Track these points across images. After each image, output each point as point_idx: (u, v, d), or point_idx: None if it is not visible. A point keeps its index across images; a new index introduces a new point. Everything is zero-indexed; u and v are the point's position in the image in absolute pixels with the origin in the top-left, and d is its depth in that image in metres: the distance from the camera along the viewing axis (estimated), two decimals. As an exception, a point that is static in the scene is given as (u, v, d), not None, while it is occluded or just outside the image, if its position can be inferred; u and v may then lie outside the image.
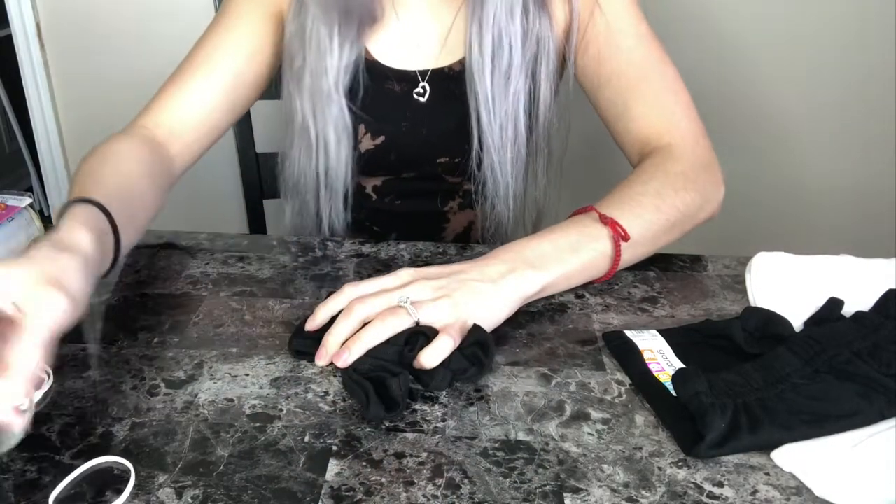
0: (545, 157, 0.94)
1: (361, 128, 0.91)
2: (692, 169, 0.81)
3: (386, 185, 0.99)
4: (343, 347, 0.62)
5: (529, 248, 0.70)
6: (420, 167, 0.95)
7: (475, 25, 0.84)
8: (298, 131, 0.90)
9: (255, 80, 0.90)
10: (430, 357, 0.60)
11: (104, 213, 0.64)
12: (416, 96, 0.91)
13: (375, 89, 0.90)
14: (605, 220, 0.72)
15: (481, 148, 0.88)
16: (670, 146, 0.83)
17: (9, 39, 1.69)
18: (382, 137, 0.92)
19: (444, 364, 0.60)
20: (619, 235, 0.72)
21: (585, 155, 1.51)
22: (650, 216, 0.75)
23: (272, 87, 0.93)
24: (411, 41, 0.90)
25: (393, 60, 0.90)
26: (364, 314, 0.64)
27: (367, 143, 0.92)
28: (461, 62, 0.89)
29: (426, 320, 0.63)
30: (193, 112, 0.86)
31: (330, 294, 0.67)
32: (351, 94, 0.88)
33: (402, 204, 1.00)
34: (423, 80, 0.90)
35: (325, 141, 0.89)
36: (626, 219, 0.73)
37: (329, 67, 0.85)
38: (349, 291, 0.66)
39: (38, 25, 1.66)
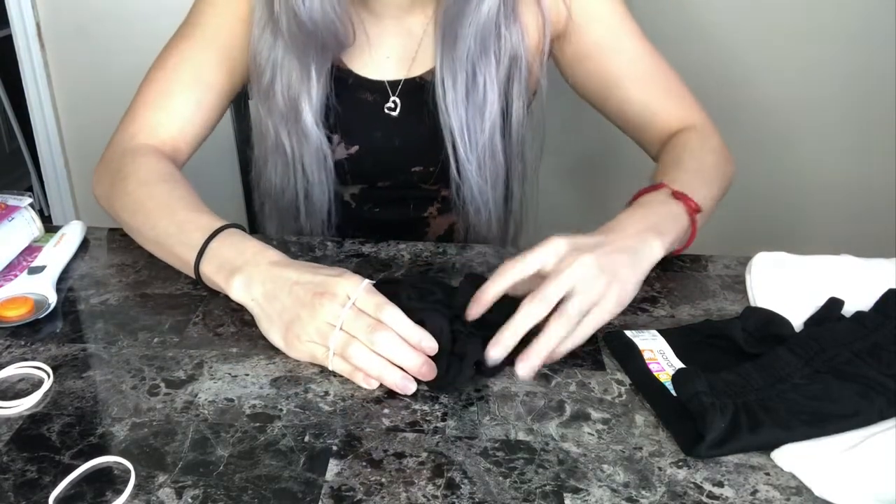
0: (519, 172, 0.95)
1: (335, 137, 0.91)
2: (721, 145, 0.88)
3: (363, 194, 0.99)
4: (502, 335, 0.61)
5: (646, 220, 0.71)
6: (395, 176, 0.95)
7: (447, 59, 0.83)
8: (272, 151, 0.90)
9: (238, 87, 0.91)
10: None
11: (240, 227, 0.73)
12: (387, 110, 0.91)
13: (349, 99, 0.89)
14: (678, 196, 0.75)
15: (459, 176, 0.89)
16: (696, 127, 0.88)
17: (9, 39, 1.69)
18: (356, 147, 0.92)
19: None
20: (693, 209, 0.74)
21: (570, 161, 1.52)
22: (708, 191, 0.79)
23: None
24: (382, 52, 0.90)
25: (365, 70, 0.90)
26: (540, 313, 0.61)
27: (340, 153, 0.91)
28: (432, 72, 0.88)
29: (579, 311, 0.62)
30: (191, 127, 0.87)
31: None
32: (325, 110, 0.88)
33: (380, 212, 1.00)
34: (393, 94, 0.90)
35: (302, 165, 0.89)
36: (694, 193, 0.75)
37: (305, 104, 0.85)
38: (510, 274, 0.63)
39: (38, 25, 1.66)
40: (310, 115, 0.86)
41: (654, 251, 0.68)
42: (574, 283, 0.61)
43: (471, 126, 0.86)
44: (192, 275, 0.71)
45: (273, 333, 0.65)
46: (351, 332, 0.61)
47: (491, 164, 0.89)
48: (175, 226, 0.73)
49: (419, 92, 0.89)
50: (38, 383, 0.61)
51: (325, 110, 0.88)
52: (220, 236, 0.70)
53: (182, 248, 0.72)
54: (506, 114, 0.89)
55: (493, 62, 0.85)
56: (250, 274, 0.66)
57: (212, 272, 0.69)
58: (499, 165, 0.90)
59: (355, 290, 0.62)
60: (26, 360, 0.64)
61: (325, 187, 0.91)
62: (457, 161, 0.88)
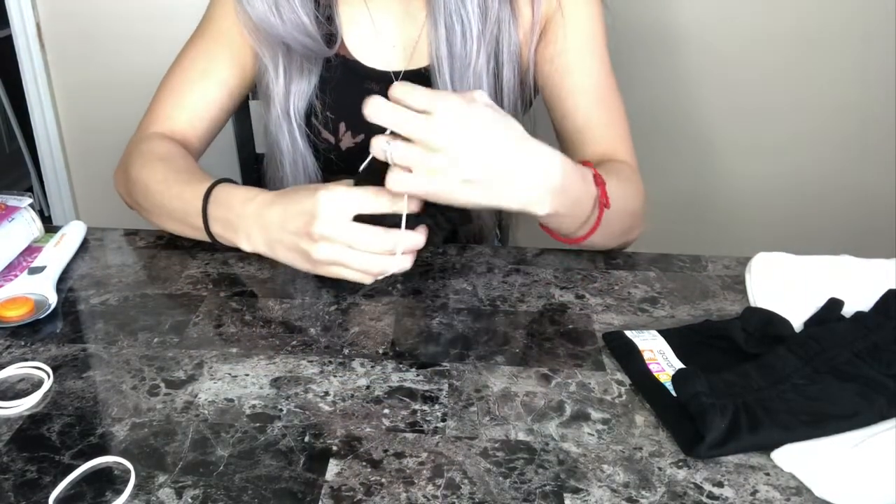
0: None
1: (342, 126, 0.92)
2: (637, 194, 0.85)
3: None
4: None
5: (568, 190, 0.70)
6: None
7: (431, 15, 0.85)
8: (270, 142, 0.93)
9: (248, 84, 0.93)
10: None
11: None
12: None
13: (354, 88, 0.91)
14: (598, 181, 0.73)
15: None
16: (626, 164, 0.86)
17: (9, 40, 1.69)
18: (363, 135, 0.93)
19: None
20: (603, 203, 0.73)
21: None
22: (618, 216, 0.77)
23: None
24: (387, 42, 0.91)
25: (371, 60, 0.91)
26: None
27: (347, 141, 0.93)
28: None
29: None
30: (202, 119, 0.90)
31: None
32: (322, 103, 0.90)
33: None
34: (397, 79, 0.91)
35: (289, 157, 0.91)
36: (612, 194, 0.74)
37: (274, 95, 0.88)
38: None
39: (38, 26, 1.66)
40: (277, 106, 0.88)
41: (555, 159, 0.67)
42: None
43: (453, 75, 0.86)
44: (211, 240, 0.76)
45: (298, 266, 0.71)
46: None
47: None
48: (178, 199, 0.78)
49: (422, 82, 0.90)
50: (38, 383, 0.61)
51: (311, 103, 0.90)
52: (211, 198, 0.74)
53: (193, 219, 0.76)
54: (497, 74, 0.89)
55: (474, 12, 0.84)
56: (247, 229, 0.71)
57: (221, 234, 0.75)
58: None
59: (331, 207, 0.66)
60: (26, 360, 0.64)
61: (302, 179, 0.93)
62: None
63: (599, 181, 0.73)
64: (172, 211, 0.79)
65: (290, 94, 0.88)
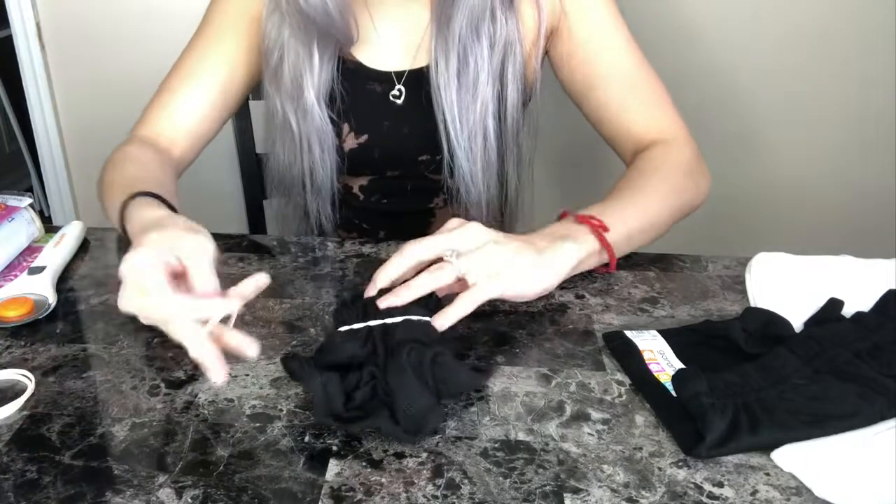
0: (514, 155, 0.95)
1: (345, 126, 0.92)
2: (692, 159, 0.86)
3: (372, 185, 1.00)
4: (391, 292, 0.63)
5: (555, 233, 0.72)
6: (403, 166, 0.96)
7: (440, 41, 0.85)
8: (280, 129, 0.91)
9: (242, 84, 0.92)
10: (445, 319, 0.63)
11: (156, 198, 0.70)
12: (392, 98, 0.91)
13: (357, 89, 0.91)
14: (581, 220, 0.74)
15: (452, 158, 0.89)
16: (669, 141, 0.87)
17: (9, 40, 1.69)
18: (366, 136, 0.93)
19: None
20: (595, 226, 0.74)
21: (565, 156, 1.52)
22: (637, 211, 0.78)
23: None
24: (389, 43, 0.91)
25: (372, 61, 0.91)
26: (418, 256, 0.65)
27: (350, 142, 0.93)
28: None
29: (466, 268, 0.65)
30: (188, 120, 0.89)
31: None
32: (330, 98, 0.89)
33: (388, 203, 1.01)
34: (398, 83, 0.91)
35: (308, 143, 0.90)
36: (610, 215, 0.75)
37: (308, 82, 0.87)
38: (410, 249, 0.66)
39: (38, 26, 1.66)
40: (311, 93, 0.87)
41: (568, 250, 0.70)
42: (460, 242, 0.66)
43: (461, 107, 0.86)
44: None
45: None
46: None
47: (482, 145, 0.89)
48: (113, 209, 0.73)
49: (423, 82, 0.90)
50: (20, 390, 0.61)
51: (332, 97, 0.89)
52: (128, 211, 0.69)
53: (117, 220, 0.72)
54: (501, 97, 0.89)
55: (486, 46, 0.85)
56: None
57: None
58: (490, 149, 0.90)
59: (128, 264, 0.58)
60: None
61: (328, 166, 0.92)
62: (448, 142, 0.88)
63: (583, 219, 0.74)
64: (110, 207, 0.76)
65: (322, 83, 0.88)
